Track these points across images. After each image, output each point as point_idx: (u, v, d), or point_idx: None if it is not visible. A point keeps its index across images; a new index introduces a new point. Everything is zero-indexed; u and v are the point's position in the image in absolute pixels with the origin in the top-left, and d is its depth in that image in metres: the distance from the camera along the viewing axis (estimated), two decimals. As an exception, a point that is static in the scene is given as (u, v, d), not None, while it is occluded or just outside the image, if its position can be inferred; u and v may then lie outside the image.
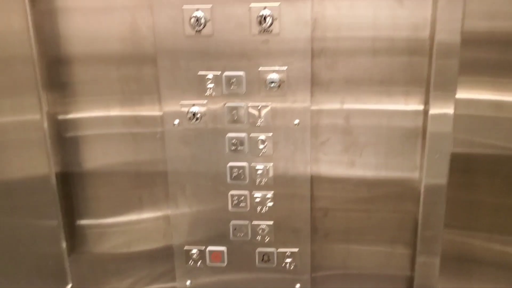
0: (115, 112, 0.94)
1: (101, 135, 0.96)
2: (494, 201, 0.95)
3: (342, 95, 0.90)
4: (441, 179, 0.91)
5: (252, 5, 0.85)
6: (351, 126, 0.92)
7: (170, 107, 0.91)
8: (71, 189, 1.00)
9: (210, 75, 0.89)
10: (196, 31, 0.86)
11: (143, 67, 0.91)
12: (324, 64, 0.89)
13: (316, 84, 0.90)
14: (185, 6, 0.85)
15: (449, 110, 0.87)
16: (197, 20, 0.85)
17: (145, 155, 0.97)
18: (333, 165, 0.95)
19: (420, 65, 0.87)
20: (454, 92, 0.86)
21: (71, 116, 0.95)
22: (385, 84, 0.89)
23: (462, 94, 0.87)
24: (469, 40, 0.84)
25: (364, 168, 0.94)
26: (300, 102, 0.90)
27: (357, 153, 0.93)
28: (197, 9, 0.85)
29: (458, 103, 0.87)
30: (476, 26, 0.84)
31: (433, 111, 0.87)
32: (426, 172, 0.91)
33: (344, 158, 0.94)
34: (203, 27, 0.86)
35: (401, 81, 0.88)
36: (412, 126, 0.91)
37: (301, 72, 0.88)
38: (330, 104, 0.91)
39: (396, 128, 0.91)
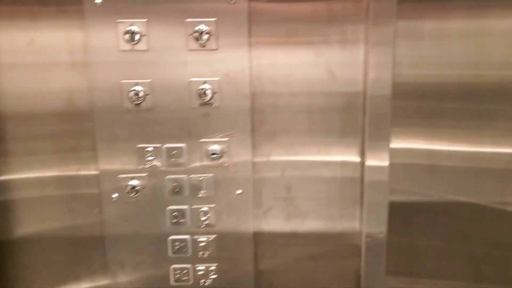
0: (49, 173, 0.95)
1: (35, 198, 0.96)
2: (434, 246, 1.01)
3: (283, 164, 0.96)
4: (381, 228, 0.97)
5: (192, 79, 0.91)
6: (293, 190, 0.97)
7: (109, 180, 0.93)
8: (1, 259, 0.99)
9: (150, 147, 0.94)
10: (135, 104, 0.91)
11: (80, 127, 0.93)
12: (264, 133, 0.95)
13: (257, 154, 0.96)
14: (123, 81, 0.90)
15: (384, 160, 0.94)
16: (136, 94, 0.90)
17: (82, 220, 0.97)
18: (276, 228, 0.99)
19: (355, 118, 0.93)
20: (388, 142, 0.93)
21: (2, 178, 0.95)
22: (323, 140, 0.95)
23: (397, 144, 0.94)
24: (401, 92, 0.91)
25: (306, 225, 0.99)
26: (242, 172, 0.95)
27: (299, 212, 0.98)
28: (136, 84, 0.90)
29: (394, 153, 0.94)
30: (407, 78, 0.91)
31: (369, 162, 0.94)
32: (366, 222, 0.96)
33: (287, 220, 0.99)
34: (143, 100, 0.91)
35: (337, 134, 0.94)
36: (351, 177, 0.96)
37: (242, 142, 0.94)
38: (272, 172, 0.97)
39: (336, 180, 0.97)
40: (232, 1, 0.87)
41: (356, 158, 0.96)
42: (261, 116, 0.93)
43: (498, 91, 0.93)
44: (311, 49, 0.90)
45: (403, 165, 0.96)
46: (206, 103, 0.90)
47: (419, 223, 1.00)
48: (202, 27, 0.87)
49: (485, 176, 0.98)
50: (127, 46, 0.87)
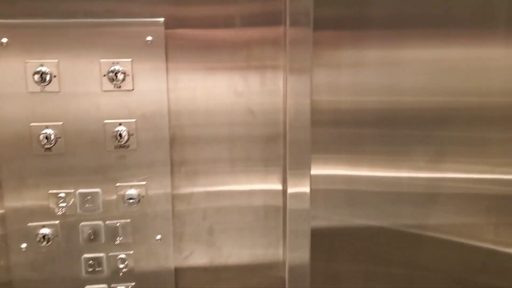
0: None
1: None
2: (356, 271, 1.05)
3: (204, 204, 0.98)
4: (304, 256, 1.00)
5: (107, 121, 0.91)
6: (215, 231, 0.99)
7: (16, 229, 0.91)
8: None
9: (62, 193, 0.93)
10: (46, 148, 0.90)
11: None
12: (184, 176, 0.97)
13: (177, 198, 0.98)
14: (33, 124, 0.89)
15: (306, 187, 0.97)
16: (46, 137, 0.89)
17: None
18: (199, 266, 1.01)
19: (276, 145, 0.97)
20: (309, 170, 0.96)
21: None
22: (244, 170, 0.97)
23: (318, 170, 0.98)
24: (321, 119, 0.96)
25: (230, 261, 1.01)
26: (161, 216, 0.95)
27: (222, 251, 1.00)
28: (47, 127, 0.90)
29: (315, 180, 0.98)
30: (326, 105, 0.96)
31: (290, 189, 0.97)
32: (289, 251, 0.99)
33: (210, 261, 1.02)
34: (54, 144, 0.90)
35: (260, 163, 0.97)
36: (274, 206, 0.99)
37: (161, 185, 0.94)
38: (193, 213, 0.98)
39: (259, 211, 0.99)
40: (149, 41, 0.89)
41: (279, 187, 0.99)
42: (181, 154, 0.95)
43: (413, 117, 0.99)
44: (231, 79, 0.93)
45: (324, 192, 1.00)
46: (122, 146, 0.91)
47: (342, 249, 1.04)
48: (117, 67, 0.88)
49: (403, 201, 1.03)
50: (37, 88, 0.87)
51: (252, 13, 0.91)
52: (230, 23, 0.91)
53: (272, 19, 0.91)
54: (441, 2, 0.95)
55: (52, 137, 0.88)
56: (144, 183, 0.92)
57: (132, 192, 0.92)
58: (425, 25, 0.96)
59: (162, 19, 0.87)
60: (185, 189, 0.95)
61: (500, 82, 1.00)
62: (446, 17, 0.96)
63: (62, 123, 0.88)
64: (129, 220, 0.93)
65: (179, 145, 0.93)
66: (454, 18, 0.96)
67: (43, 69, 0.85)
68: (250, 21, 0.91)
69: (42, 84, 0.86)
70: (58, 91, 0.87)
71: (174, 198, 0.94)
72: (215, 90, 0.93)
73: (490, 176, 1.05)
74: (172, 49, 0.90)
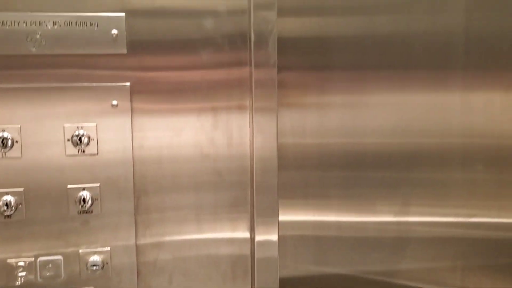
0: None
1: None
2: None
3: (170, 270, 0.98)
4: None
5: (70, 186, 0.91)
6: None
7: (-28, 302, 0.90)
8: None
9: (21, 262, 0.92)
10: (6, 216, 0.89)
11: None
12: (149, 238, 0.97)
13: (142, 262, 0.97)
14: (-9, 191, 0.88)
15: (274, 235, 0.97)
16: (6, 204, 0.89)
17: None
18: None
19: (244, 194, 0.97)
20: (276, 217, 0.97)
21: None
22: (212, 221, 0.98)
23: (286, 216, 1.00)
24: (287, 164, 0.98)
25: None
26: (126, 282, 0.95)
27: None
28: (7, 193, 0.89)
29: (283, 226, 0.99)
30: (292, 149, 0.99)
31: (258, 237, 0.97)
32: None
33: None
34: (14, 211, 0.89)
35: (227, 211, 0.97)
36: (242, 254, 0.99)
37: (126, 251, 0.93)
38: (159, 278, 0.98)
39: (227, 260, 0.99)
40: (114, 104, 0.90)
41: (246, 235, 0.99)
42: (147, 215, 0.95)
43: (379, 160, 1.03)
44: (197, 135, 0.95)
45: (292, 238, 1.01)
46: (86, 211, 0.91)
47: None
48: (82, 131, 0.89)
49: (371, 247, 1.05)
50: (-3, 153, 0.87)
51: (219, 62, 0.93)
52: (197, 69, 0.93)
53: (238, 63, 0.94)
54: (401, 49, 1.01)
55: (13, 203, 0.87)
56: (108, 248, 0.92)
57: (96, 258, 0.91)
58: (386, 70, 1.01)
59: (127, 84, 0.89)
60: (151, 253, 0.95)
61: (459, 124, 1.05)
62: (407, 63, 1.02)
63: (23, 189, 0.87)
64: (92, 287, 0.92)
65: (144, 206, 0.93)
66: (414, 63, 1.02)
67: (5, 134, 0.85)
68: (217, 66, 0.94)
69: (3, 149, 0.86)
70: (20, 157, 0.86)
71: (139, 262, 0.94)
72: (180, 139, 0.94)
73: (455, 219, 1.08)
74: (137, 120, 0.92)
